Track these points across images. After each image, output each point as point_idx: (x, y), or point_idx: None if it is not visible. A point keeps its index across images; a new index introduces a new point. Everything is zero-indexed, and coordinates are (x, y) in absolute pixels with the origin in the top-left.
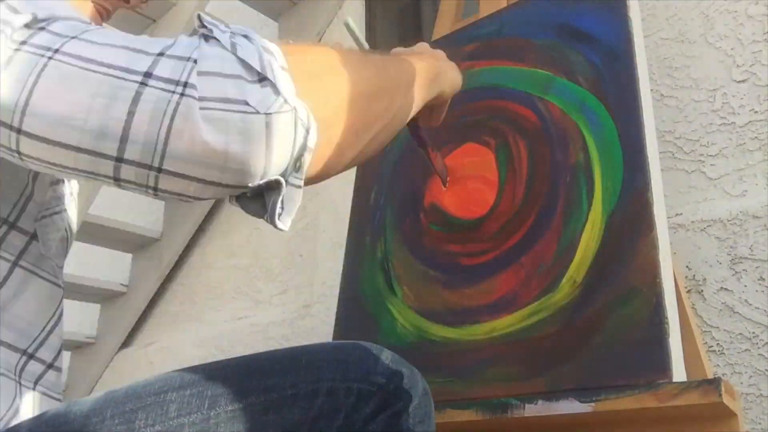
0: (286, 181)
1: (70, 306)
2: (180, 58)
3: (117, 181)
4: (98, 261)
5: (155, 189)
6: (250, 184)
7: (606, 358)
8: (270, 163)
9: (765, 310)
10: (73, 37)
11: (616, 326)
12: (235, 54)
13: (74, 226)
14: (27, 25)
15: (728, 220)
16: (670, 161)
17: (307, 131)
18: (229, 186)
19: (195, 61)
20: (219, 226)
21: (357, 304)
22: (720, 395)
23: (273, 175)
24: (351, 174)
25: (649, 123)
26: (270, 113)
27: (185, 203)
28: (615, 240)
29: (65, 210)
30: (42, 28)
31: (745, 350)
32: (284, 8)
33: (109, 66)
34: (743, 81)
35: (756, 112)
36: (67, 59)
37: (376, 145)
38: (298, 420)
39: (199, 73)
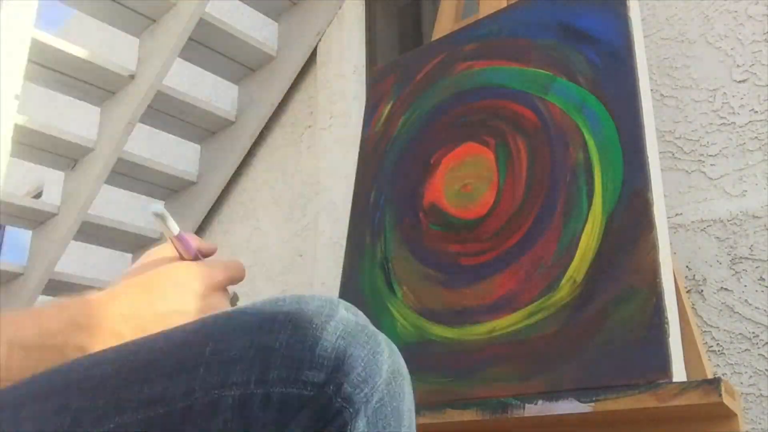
0: None
1: None
2: None
3: None
4: (98, 261)
5: None
6: None
7: (606, 358)
8: None
9: (765, 310)
10: None
11: (616, 326)
12: None
13: None
14: None
15: (728, 220)
16: (670, 161)
17: None
18: None
19: None
20: (219, 226)
21: (357, 304)
22: (720, 395)
23: None
24: (351, 174)
25: (649, 123)
26: None
27: (186, 204)
28: (615, 240)
29: None
30: None
31: (745, 350)
32: (284, 8)
33: None
34: (743, 81)
35: (756, 112)
36: None
37: None
38: None
39: None
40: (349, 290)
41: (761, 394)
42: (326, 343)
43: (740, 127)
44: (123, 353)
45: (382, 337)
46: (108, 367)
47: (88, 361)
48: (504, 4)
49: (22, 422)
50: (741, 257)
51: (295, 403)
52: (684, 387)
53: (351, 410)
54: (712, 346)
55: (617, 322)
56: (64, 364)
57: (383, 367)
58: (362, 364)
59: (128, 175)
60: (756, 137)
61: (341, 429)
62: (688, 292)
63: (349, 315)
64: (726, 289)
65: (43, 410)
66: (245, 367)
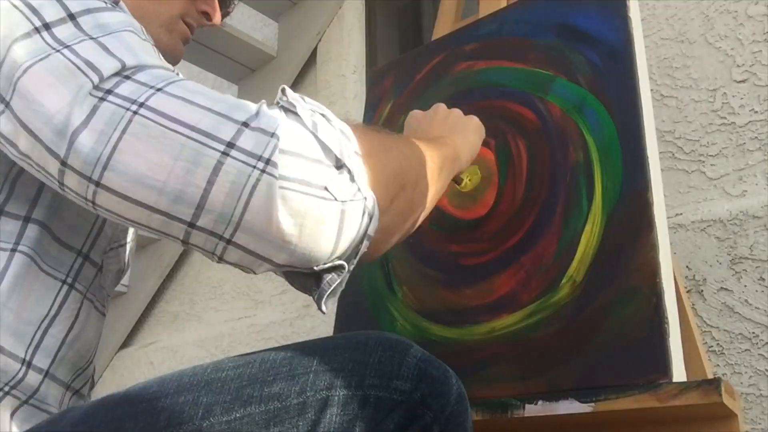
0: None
1: None
2: (263, 131)
3: (185, 243)
4: None
5: (221, 259)
6: (315, 268)
7: (606, 358)
8: (337, 249)
9: (765, 310)
10: (158, 90)
11: (616, 326)
12: (315, 135)
13: (130, 260)
14: (116, 74)
15: (728, 220)
16: (670, 161)
17: (371, 219)
18: (294, 267)
19: (278, 138)
20: None
21: (357, 305)
22: (720, 395)
23: (337, 260)
24: None
25: (649, 123)
26: (345, 201)
27: None
28: (615, 240)
29: (128, 243)
30: (128, 77)
31: (745, 350)
32: (284, 8)
33: (193, 128)
34: (743, 81)
35: (756, 112)
36: (152, 115)
37: (408, 231)
38: None
39: (281, 151)
40: (349, 290)
41: (761, 394)
42: (409, 363)
43: (740, 127)
44: (240, 363)
45: (447, 366)
46: (230, 372)
47: (210, 368)
48: (504, 4)
49: (159, 412)
50: (741, 257)
51: (387, 404)
52: (684, 387)
53: (431, 415)
54: (712, 346)
55: (617, 322)
56: (186, 371)
57: (453, 388)
58: (438, 381)
59: None
60: (756, 137)
61: (425, 428)
62: (688, 292)
63: (420, 348)
64: (726, 289)
65: (175, 403)
66: (346, 375)
